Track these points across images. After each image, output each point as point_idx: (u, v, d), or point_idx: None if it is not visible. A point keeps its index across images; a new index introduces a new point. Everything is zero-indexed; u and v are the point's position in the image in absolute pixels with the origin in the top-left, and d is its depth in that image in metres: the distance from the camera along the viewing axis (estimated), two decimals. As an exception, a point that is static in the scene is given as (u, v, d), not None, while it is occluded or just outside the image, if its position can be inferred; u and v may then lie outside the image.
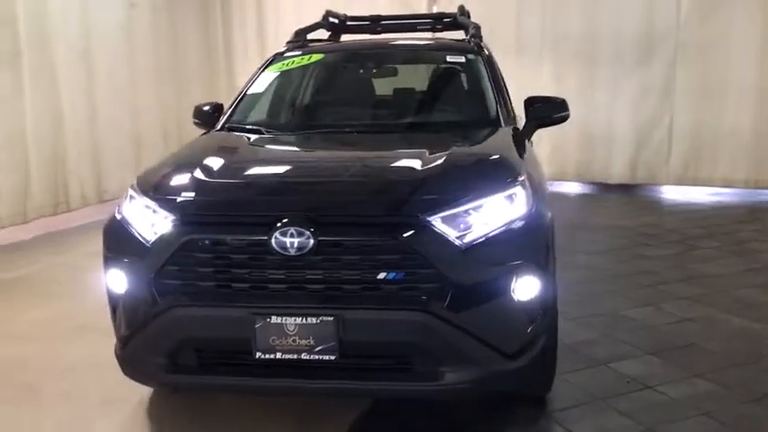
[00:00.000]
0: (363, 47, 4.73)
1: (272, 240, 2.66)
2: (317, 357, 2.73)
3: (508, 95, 4.35)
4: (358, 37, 5.36)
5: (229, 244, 2.75)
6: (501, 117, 3.89)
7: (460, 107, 4.30)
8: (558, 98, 4.22)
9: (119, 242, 2.97)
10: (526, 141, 3.93)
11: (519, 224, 2.89)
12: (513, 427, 3.31)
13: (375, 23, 5.52)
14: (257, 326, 2.71)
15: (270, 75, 4.44)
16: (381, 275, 2.69)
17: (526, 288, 2.88)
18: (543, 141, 9.36)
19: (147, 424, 3.37)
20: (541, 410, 3.41)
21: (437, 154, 3.22)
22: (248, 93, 4.33)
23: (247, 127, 3.95)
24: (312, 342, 2.71)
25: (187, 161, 3.29)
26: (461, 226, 2.77)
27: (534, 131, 4.09)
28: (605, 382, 3.69)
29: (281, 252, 2.66)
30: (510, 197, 2.92)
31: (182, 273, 2.78)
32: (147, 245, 2.83)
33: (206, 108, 4.24)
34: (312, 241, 2.66)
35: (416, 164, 3.11)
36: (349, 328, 2.70)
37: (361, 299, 2.70)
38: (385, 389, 2.80)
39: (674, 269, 5.70)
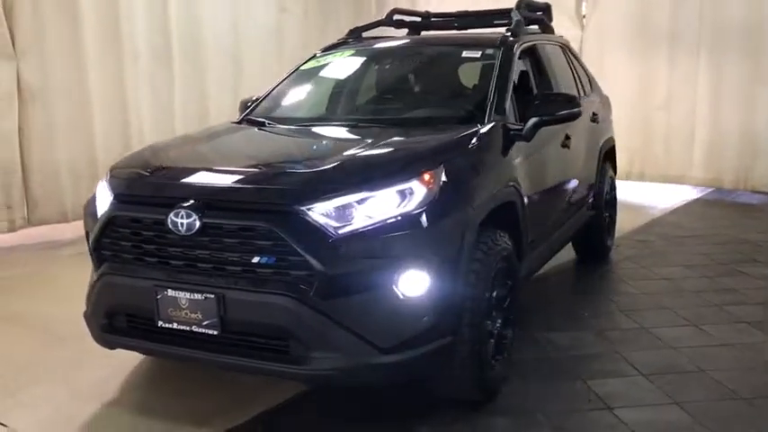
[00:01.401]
0: (391, 45, 4.79)
1: (168, 220, 2.93)
2: (203, 331, 2.96)
3: (534, 90, 4.17)
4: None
5: (141, 221, 3.07)
6: (488, 113, 3.77)
7: (450, 103, 4.23)
8: (565, 94, 3.99)
9: (88, 217, 3.42)
10: (518, 141, 3.77)
11: (411, 220, 2.88)
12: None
13: (448, 20, 5.56)
14: (158, 297, 3.00)
15: (300, 72, 4.70)
16: (256, 259, 2.84)
17: (412, 284, 2.86)
18: (696, 144, 8.66)
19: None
20: (475, 412, 3.32)
21: (356, 147, 3.29)
22: (276, 89, 4.62)
23: (258, 119, 4.23)
24: (200, 316, 2.94)
25: (154, 148, 3.67)
26: (340, 217, 2.82)
27: (536, 130, 3.90)
28: (567, 395, 3.48)
29: (175, 231, 2.93)
30: (402, 192, 2.91)
31: (111, 245, 3.17)
32: (97, 219, 3.25)
33: (247, 103, 4.62)
34: (198, 223, 2.89)
35: (323, 156, 3.21)
36: (229, 307, 2.89)
37: (239, 280, 2.88)
38: (261, 367, 2.94)
39: (764, 291, 5.04)
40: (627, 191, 8.95)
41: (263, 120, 4.19)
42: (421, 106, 4.21)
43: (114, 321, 3.25)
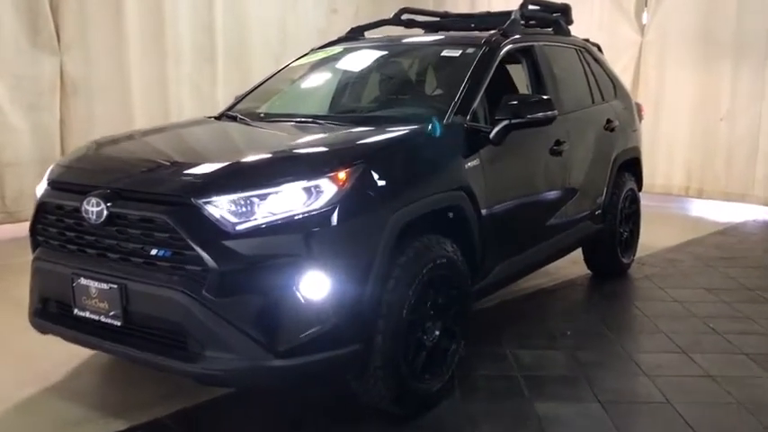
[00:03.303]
0: (377, 44, 4.64)
1: (82, 208, 2.93)
2: (109, 321, 2.94)
3: (509, 91, 3.95)
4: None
5: (63, 208, 3.09)
6: (448, 113, 3.58)
7: (416, 102, 4.06)
8: (538, 96, 3.75)
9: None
10: (485, 144, 3.58)
11: (317, 218, 2.76)
12: None
13: (461, 20, 5.39)
14: (74, 284, 3.01)
15: (289, 69, 4.65)
16: (154, 252, 2.80)
17: (314, 286, 2.74)
18: (759, 160, 8.07)
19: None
20: (396, 426, 3.15)
21: (285, 143, 3.19)
22: (263, 84, 4.59)
23: (232, 114, 4.20)
24: (107, 306, 2.93)
25: (101, 140, 3.69)
26: (240, 212, 2.74)
27: (506, 134, 3.69)
28: (506, 417, 3.24)
29: (87, 219, 2.92)
30: (309, 189, 2.79)
31: (42, 230, 3.21)
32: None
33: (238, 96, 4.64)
34: (106, 212, 2.87)
35: (243, 151, 3.12)
36: (131, 298, 2.86)
37: (140, 272, 2.84)
38: (157, 362, 2.88)
39: (783, 320, 4.58)
40: (684, 206, 8.54)
41: (236, 114, 4.16)
42: (388, 105, 4.08)
43: (47, 307, 3.29)
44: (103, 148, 3.50)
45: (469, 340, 3.50)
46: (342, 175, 2.85)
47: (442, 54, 4.22)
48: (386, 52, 4.53)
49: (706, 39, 8.33)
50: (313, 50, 4.80)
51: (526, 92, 4.44)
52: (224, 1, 8.11)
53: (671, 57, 8.62)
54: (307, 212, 2.76)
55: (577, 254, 5.29)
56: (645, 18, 8.84)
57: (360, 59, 4.53)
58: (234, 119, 4.12)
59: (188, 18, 7.87)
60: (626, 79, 8.53)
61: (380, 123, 3.62)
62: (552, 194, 4.40)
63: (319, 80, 4.56)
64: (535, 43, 4.53)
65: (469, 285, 3.48)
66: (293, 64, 4.75)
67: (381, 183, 2.97)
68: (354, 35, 4.98)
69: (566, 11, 5.22)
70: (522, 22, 5.01)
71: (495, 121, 3.70)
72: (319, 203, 2.78)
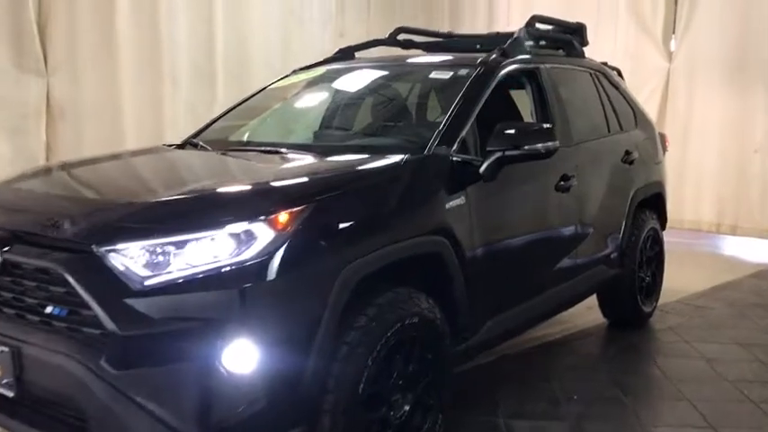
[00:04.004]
0: (363, 66, 4.14)
1: (-24, 254, 2.46)
2: (1, 391, 2.44)
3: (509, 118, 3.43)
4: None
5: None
6: (430, 143, 3.07)
7: (398, 130, 3.54)
8: (537, 124, 3.22)
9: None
10: (474, 179, 3.06)
11: (247, 271, 2.24)
12: None
13: (464, 40, 4.89)
14: (-32, 342, 2.52)
15: (266, 92, 4.17)
16: (50, 309, 2.31)
17: (239, 358, 2.22)
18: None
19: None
20: None
21: (226, 179, 2.69)
22: (236, 108, 4.12)
23: (194, 142, 3.73)
24: (0, 372, 2.43)
25: (32, 170, 3.23)
26: (151, 263, 2.24)
27: (500, 167, 3.16)
28: None
29: (-19, 268, 2.44)
30: (238, 236, 2.27)
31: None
32: None
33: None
34: (0, 258, 2.39)
35: (171, 186, 2.63)
36: (25, 365, 2.37)
37: (35, 333, 2.34)
38: (56, 446, 2.37)
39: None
40: (715, 244, 7.87)
41: (198, 142, 3.68)
42: (364, 133, 3.57)
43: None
44: (22, 180, 3.03)
45: (458, 405, 2.96)
46: (282, 217, 2.33)
47: (430, 76, 3.71)
48: (370, 75, 4.03)
49: (738, 65, 7.71)
50: (295, 72, 4.33)
51: (531, 120, 3.90)
52: (224, 22, 7.72)
53: (700, 83, 8.01)
54: (235, 264, 2.25)
55: (594, 299, 4.71)
56: (673, 44, 8.25)
57: (341, 82, 4.04)
58: (195, 147, 3.64)
59: (186, 39, 7.48)
60: (652, 107, 7.99)
61: (352, 153, 3.11)
62: (558, 236, 3.84)
63: (296, 105, 4.08)
64: (541, 65, 3.99)
65: (450, 347, 2.92)
66: (273, 86, 4.27)
67: (334, 227, 2.46)
68: (343, 56, 4.49)
69: (580, 31, 4.70)
70: (531, 42, 4.52)
71: (487, 152, 3.17)
72: (251, 253, 2.26)
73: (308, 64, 4.36)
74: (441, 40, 4.96)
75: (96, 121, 6.87)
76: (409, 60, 4.07)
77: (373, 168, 2.81)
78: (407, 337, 2.65)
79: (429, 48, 4.89)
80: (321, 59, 4.48)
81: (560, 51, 4.55)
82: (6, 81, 6.33)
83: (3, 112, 6.35)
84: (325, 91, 4.07)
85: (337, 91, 4.04)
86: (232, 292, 2.23)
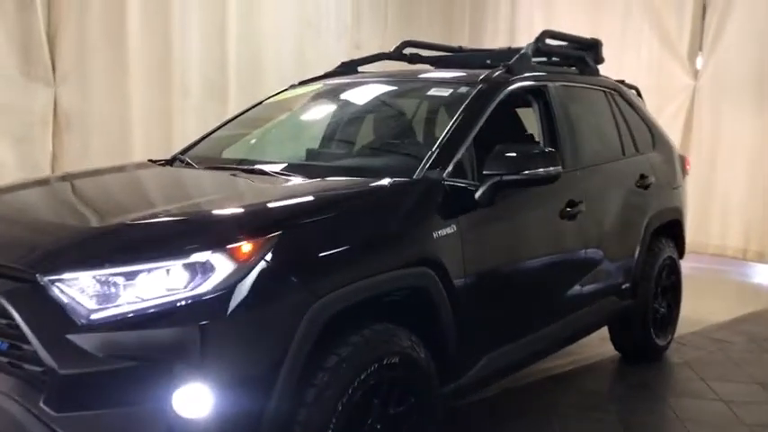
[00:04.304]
0: (361, 81, 3.93)
1: None
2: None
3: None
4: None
5: None
6: (421, 166, 2.86)
7: (391, 151, 3.33)
8: (539, 147, 3.01)
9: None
10: (470, 206, 2.85)
11: (203, 307, 2.06)
12: None
13: (474, 55, 4.69)
14: None
15: (263, 106, 4.00)
16: (-9, 342, 2.13)
17: (192, 401, 2.02)
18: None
19: None
20: None
21: (193, 201, 2.50)
22: (230, 123, 3.95)
23: (181, 158, 3.55)
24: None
25: (5, 186, 3.07)
26: (99, 296, 2.05)
27: (497, 193, 2.94)
28: None
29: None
30: (194, 267, 2.08)
31: None
32: None
33: None
34: (-54, 286, 2.22)
35: (134, 208, 2.44)
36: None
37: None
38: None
39: None
40: (741, 271, 7.54)
41: (186, 159, 3.51)
42: (358, 154, 3.37)
43: None
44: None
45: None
46: (246, 247, 2.14)
47: (428, 94, 3.51)
48: (368, 91, 3.83)
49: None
50: (293, 86, 4.15)
51: (540, 141, 3.67)
52: (238, 34, 7.60)
53: (728, 103, 7.70)
54: (191, 299, 2.06)
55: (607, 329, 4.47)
56: (699, 62, 7.95)
57: (337, 99, 3.86)
58: (182, 163, 3.47)
59: (198, 50, 7.37)
60: (677, 126, 7.73)
61: (341, 175, 2.92)
62: (562, 267, 3.60)
63: (290, 121, 3.89)
64: (550, 83, 3.77)
65: (438, 388, 2.70)
66: (270, 100, 4.09)
67: (304, 258, 2.26)
68: (346, 70, 4.31)
69: (594, 47, 4.47)
70: (543, 58, 4.31)
71: (484, 177, 2.95)
72: (208, 286, 2.07)
73: (308, 78, 4.19)
74: (449, 54, 4.78)
75: (104, 132, 6.77)
76: (410, 76, 3.88)
77: (354, 193, 2.61)
78: (386, 378, 2.44)
79: (437, 63, 4.69)
80: (322, 73, 4.32)
81: (573, 69, 4.32)
82: (14, 89, 6.26)
83: (9, 120, 6.28)
84: (319, 108, 3.89)
85: (332, 108, 3.86)
86: (187, 329, 2.04)
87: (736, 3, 7.52)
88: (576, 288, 3.71)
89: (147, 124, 7.04)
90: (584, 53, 4.39)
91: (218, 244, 2.12)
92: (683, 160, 5.05)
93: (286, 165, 3.12)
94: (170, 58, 7.14)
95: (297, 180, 2.90)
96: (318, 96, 3.89)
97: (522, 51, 3.74)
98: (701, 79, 7.90)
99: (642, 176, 4.33)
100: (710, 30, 7.74)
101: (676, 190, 4.77)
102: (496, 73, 3.49)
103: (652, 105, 5.73)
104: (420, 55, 4.73)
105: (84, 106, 6.64)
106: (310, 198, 2.56)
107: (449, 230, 2.76)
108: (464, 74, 3.69)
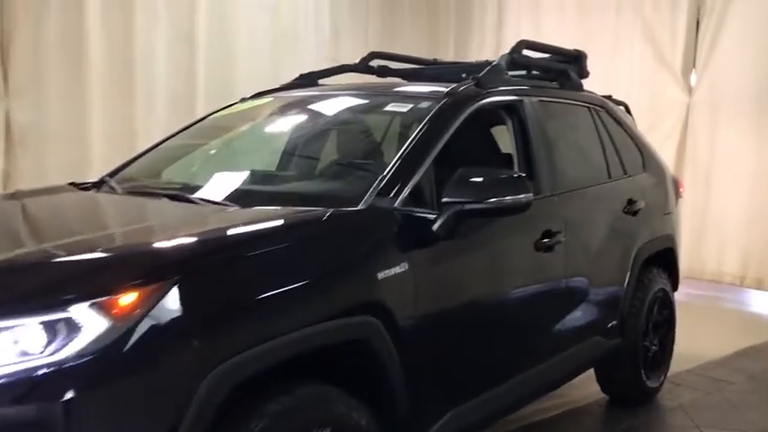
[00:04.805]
0: (315, 95, 3.52)
1: None
2: None
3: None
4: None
5: None
6: (369, 193, 2.44)
7: (338, 175, 2.91)
8: (506, 172, 2.59)
9: None
10: (427, 239, 2.44)
11: (66, 376, 1.62)
12: None
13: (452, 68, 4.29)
14: None
15: (208, 122, 3.58)
16: None
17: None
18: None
19: None
20: None
21: (85, 238, 2.07)
22: (170, 139, 3.53)
23: (106, 180, 3.13)
24: None
25: None
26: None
27: (459, 224, 2.52)
28: None
29: None
30: (53, 325, 1.65)
31: None
32: None
33: None
34: None
35: (7, 249, 2.00)
36: None
37: None
38: None
39: None
40: (738, 299, 7.11)
41: (111, 181, 3.08)
42: (301, 178, 2.94)
43: None
44: None
45: None
46: (125, 299, 1.71)
47: (385, 109, 3.10)
48: (321, 106, 3.41)
49: (767, 100, 7.02)
50: (243, 99, 3.74)
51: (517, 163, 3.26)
52: (207, 43, 7.18)
53: (724, 120, 7.30)
54: (50, 366, 1.62)
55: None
56: (693, 79, 7.58)
57: (286, 114, 3.45)
58: (107, 187, 3.03)
59: (164, 61, 6.96)
60: (669, 146, 7.35)
61: (278, 204, 2.50)
62: (538, 306, 3.18)
63: (233, 139, 3.46)
64: (525, 98, 3.36)
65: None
66: (217, 114, 3.68)
67: (205, 311, 1.82)
68: (305, 82, 3.89)
69: (578, 60, 4.06)
70: (523, 72, 3.92)
71: (443, 205, 2.53)
72: (72, 350, 1.64)
73: (261, 90, 3.77)
74: (421, 67, 4.38)
75: (61, 148, 6.34)
76: (370, 90, 3.45)
77: (278, 228, 2.18)
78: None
79: (408, 76, 4.28)
80: (279, 86, 3.90)
81: (555, 83, 3.92)
82: (-41, 105, 5.87)
83: (-45, 137, 5.88)
84: (266, 124, 3.48)
85: (280, 124, 3.44)
86: (45, 406, 1.60)
87: (730, 16, 7.17)
88: (556, 329, 3.29)
89: (108, 139, 6.61)
90: (567, 66, 3.98)
91: (87, 295, 1.69)
92: (675, 183, 4.64)
93: (219, 190, 2.69)
94: (133, 69, 6.72)
95: (224, 210, 2.47)
96: (267, 112, 3.48)
97: (494, 63, 3.34)
98: (695, 95, 7.52)
99: (630, 201, 3.91)
100: (705, 44, 7.37)
101: (668, 216, 4.36)
102: (463, 87, 3.07)
103: (643, 123, 5.37)
104: (389, 67, 4.33)
105: (39, 121, 6.20)
106: (225, 234, 2.13)
107: (398, 269, 2.33)
108: (429, 88, 3.28)
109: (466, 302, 2.68)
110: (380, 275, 2.25)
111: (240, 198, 2.59)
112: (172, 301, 1.75)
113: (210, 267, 1.90)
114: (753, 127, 7.10)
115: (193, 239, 2.06)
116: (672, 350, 4.42)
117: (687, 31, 7.47)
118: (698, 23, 7.45)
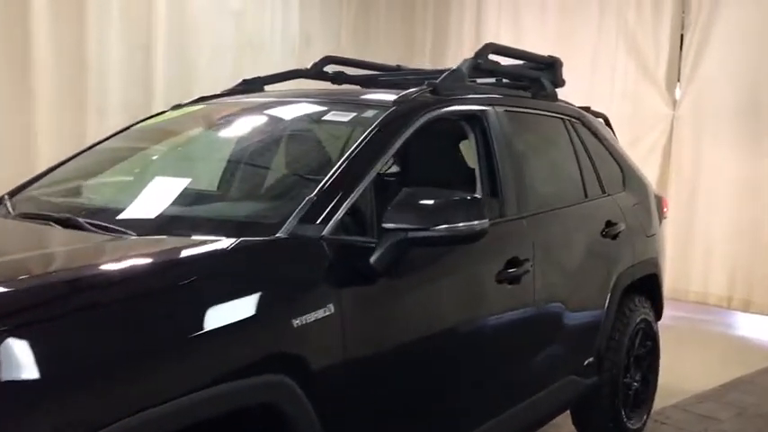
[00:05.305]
0: (247, 103, 3.11)
1: None
2: None
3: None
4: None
5: None
6: (291, 219, 2.03)
7: (255, 195, 2.51)
8: (459, 194, 2.18)
9: None
10: (362, 275, 2.03)
11: None
12: None
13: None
14: None
15: (131, 132, 3.15)
16: None
17: None
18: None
19: None
20: None
21: None
22: (88, 151, 3.10)
23: (6, 197, 2.70)
24: None
25: None
26: None
27: (400, 255, 2.12)
28: None
29: None
30: None
31: None
32: None
33: None
34: None
35: None
36: None
37: None
38: None
39: None
40: (725, 321, 6.75)
41: (7, 201, 2.64)
42: (218, 199, 2.52)
43: None
44: None
45: None
46: None
47: (323, 119, 2.69)
48: (253, 115, 2.99)
49: (755, 114, 6.69)
50: (175, 107, 3.32)
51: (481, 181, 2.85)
52: (166, 49, 6.78)
53: (709, 135, 6.97)
54: None
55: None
56: (678, 90, 7.25)
57: (214, 125, 3.03)
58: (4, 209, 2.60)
59: (118, 66, 6.54)
60: (653, 161, 7.03)
61: (184, 229, 2.08)
62: (502, 346, 2.77)
63: (152, 154, 3.02)
64: (490, 108, 2.97)
65: None
66: (141, 125, 3.25)
67: (44, 375, 1.39)
68: (248, 88, 3.49)
69: (552, 67, 3.68)
70: (492, 80, 3.56)
71: (382, 233, 2.12)
72: None
73: (195, 98, 3.36)
74: (381, 73, 3.99)
75: (3, 159, 5.92)
76: (313, 97, 3.03)
77: (160, 266, 1.75)
78: None
79: (366, 83, 3.90)
80: (219, 92, 3.49)
81: (526, 92, 3.53)
82: None
83: None
84: (190, 136, 3.05)
85: (204, 137, 3.02)
86: None
87: (715, 29, 6.87)
88: (523, 371, 2.89)
89: (55, 148, 6.14)
90: (540, 73, 3.60)
91: None
92: (659, 202, 4.26)
93: (118, 214, 2.27)
94: (84, 73, 6.31)
95: (115, 240, 2.05)
96: (194, 122, 3.06)
97: (453, 69, 2.94)
98: (680, 108, 7.18)
99: (609, 223, 3.53)
100: (690, 54, 7.06)
101: (652, 238, 3.97)
102: (416, 94, 2.67)
103: (625, 137, 5.03)
104: (344, 73, 3.95)
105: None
106: (90, 274, 1.70)
107: (322, 313, 1.91)
108: (377, 95, 2.88)
109: (410, 348, 2.27)
110: (297, 322, 1.83)
111: (141, 224, 2.16)
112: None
113: (57, 318, 1.47)
114: (739, 141, 6.77)
115: (44, 281, 1.63)
116: (655, 386, 4.02)
117: (671, 42, 7.17)
118: (683, 28, 7.15)
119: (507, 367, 2.82)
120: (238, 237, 1.91)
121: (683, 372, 4.78)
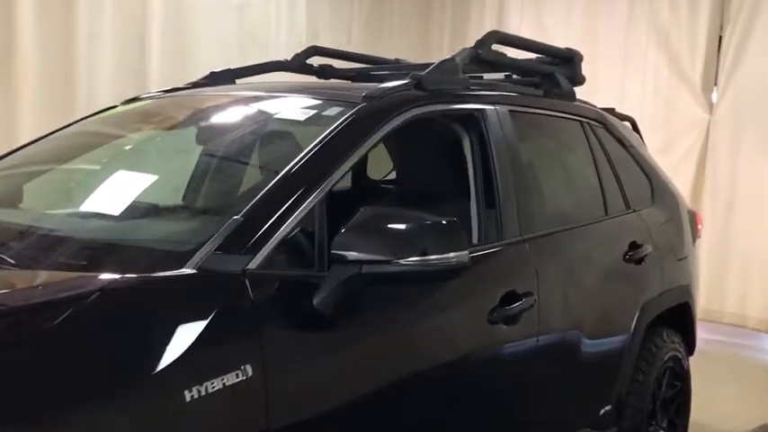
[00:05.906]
0: (201, 97, 2.64)
1: None
2: None
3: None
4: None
5: None
6: (215, 244, 1.55)
7: (176, 213, 2.03)
8: (431, 218, 1.67)
9: None
10: (300, 324, 1.55)
11: None
12: None
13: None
14: None
15: (76, 129, 2.68)
16: None
17: None
18: None
19: None
20: None
21: None
22: (33, 145, 2.65)
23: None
24: None
25: None
26: None
27: (356, 293, 1.63)
28: None
29: None
30: None
31: None
32: None
33: None
34: None
35: None
36: None
37: None
38: None
39: None
40: (764, 346, 6.19)
41: None
42: (135, 216, 2.02)
43: None
44: None
45: None
46: None
47: (276, 118, 2.20)
48: (201, 112, 2.51)
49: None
50: (125, 102, 2.85)
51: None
52: (162, 45, 6.37)
53: (749, 141, 6.40)
54: None
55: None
56: (715, 96, 6.68)
57: (158, 125, 2.55)
58: None
59: (110, 64, 6.15)
60: (687, 170, 6.49)
61: (68, 258, 1.61)
62: (497, 400, 2.25)
63: (89, 156, 2.53)
64: (489, 107, 2.46)
65: None
66: (86, 121, 2.78)
67: None
68: (215, 81, 3.01)
69: (569, 61, 3.14)
70: (502, 75, 3.07)
71: (332, 261, 1.63)
72: None
73: (147, 93, 2.90)
74: (375, 67, 3.52)
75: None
76: (272, 92, 2.52)
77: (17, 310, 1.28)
78: None
79: (356, 77, 3.42)
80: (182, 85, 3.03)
81: (537, 90, 3.01)
82: None
83: None
84: (122, 139, 2.56)
85: (137, 140, 2.53)
86: None
87: (756, 29, 6.31)
88: (524, 428, 2.36)
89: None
90: (555, 68, 3.07)
91: None
92: (693, 218, 3.70)
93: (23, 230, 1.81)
94: (74, 72, 5.92)
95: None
96: (131, 121, 2.58)
97: (445, 60, 2.43)
98: (717, 112, 6.59)
99: (634, 245, 2.99)
100: (728, 54, 6.48)
101: (683, 261, 3.42)
102: (396, 88, 2.17)
103: (655, 143, 4.50)
104: (331, 66, 3.47)
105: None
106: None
107: (233, 378, 1.42)
108: (350, 90, 2.39)
109: (365, 419, 1.76)
110: (189, 395, 1.33)
111: (29, 249, 1.69)
112: None
113: None
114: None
115: None
116: (686, 430, 3.48)
117: (708, 42, 6.59)
118: (721, 25, 6.59)
119: (506, 423, 2.30)
120: (126, 271, 1.43)
121: (716, 409, 4.25)
